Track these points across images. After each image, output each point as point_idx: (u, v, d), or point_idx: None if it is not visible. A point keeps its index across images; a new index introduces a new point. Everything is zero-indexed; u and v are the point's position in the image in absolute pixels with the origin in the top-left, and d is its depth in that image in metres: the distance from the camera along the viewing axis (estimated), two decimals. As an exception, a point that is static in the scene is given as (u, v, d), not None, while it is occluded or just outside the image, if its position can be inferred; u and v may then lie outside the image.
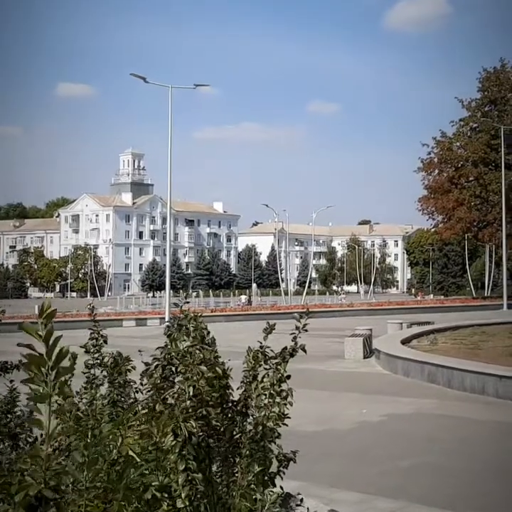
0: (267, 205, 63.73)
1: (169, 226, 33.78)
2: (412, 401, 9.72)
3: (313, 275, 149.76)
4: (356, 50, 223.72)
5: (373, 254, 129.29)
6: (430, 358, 11.54)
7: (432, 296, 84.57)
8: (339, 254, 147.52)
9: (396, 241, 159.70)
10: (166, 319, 28.73)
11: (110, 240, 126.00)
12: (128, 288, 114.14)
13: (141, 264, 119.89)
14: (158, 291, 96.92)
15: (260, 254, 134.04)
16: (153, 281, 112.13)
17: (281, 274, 75.28)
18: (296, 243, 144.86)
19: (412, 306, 37.00)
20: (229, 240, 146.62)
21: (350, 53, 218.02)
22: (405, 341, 15.38)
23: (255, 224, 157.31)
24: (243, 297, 60.08)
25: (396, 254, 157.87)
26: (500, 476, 5.84)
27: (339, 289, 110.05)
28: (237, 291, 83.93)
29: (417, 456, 6.50)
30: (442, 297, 71.71)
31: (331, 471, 6.03)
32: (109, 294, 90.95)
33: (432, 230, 52.68)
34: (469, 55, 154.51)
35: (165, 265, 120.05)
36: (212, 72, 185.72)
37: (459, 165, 44.73)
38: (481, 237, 46.94)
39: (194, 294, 78.20)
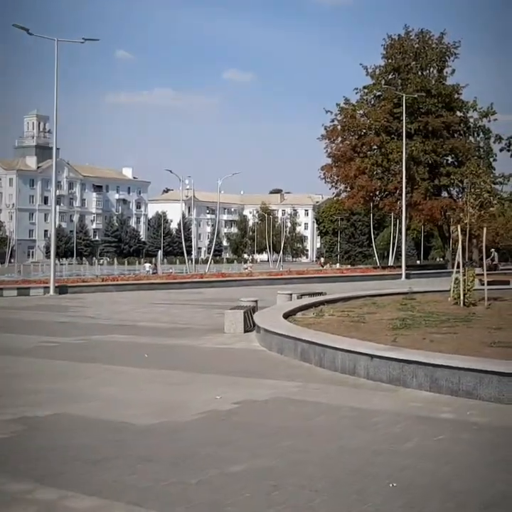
0: (170, 171, 62.43)
1: (54, 191, 32.19)
2: (275, 384, 8.77)
3: (225, 244, 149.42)
4: (271, 20, 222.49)
5: (283, 223, 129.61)
6: (303, 334, 10.64)
7: (338, 265, 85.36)
8: (250, 223, 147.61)
9: (306, 210, 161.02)
10: (51, 289, 27.08)
11: (13, 204, 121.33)
12: (32, 255, 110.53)
13: (46, 231, 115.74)
14: (64, 258, 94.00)
15: (171, 221, 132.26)
16: (58, 248, 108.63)
17: (188, 242, 73.93)
18: (207, 211, 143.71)
19: (312, 275, 36.44)
20: (139, 206, 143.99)
21: (265, 23, 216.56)
22: (290, 314, 14.50)
23: (166, 191, 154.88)
24: (147, 265, 58.50)
25: (306, 224, 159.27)
26: (346, 481, 4.91)
27: (250, 257, 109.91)
28: (144, 260, 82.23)
29: (252, 459, 5.50)
30: (349, 266, 72.27)
31: (141, 483, 4.95)
32: (12, 260, 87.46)
33: (335, 198, 52.53)
34: (379, 23, 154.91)
35: (71, 232, 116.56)
36: (126, 36, 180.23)
37: (362, 133, 44.54)
38: (383, 207, 47.13)
39: (100, 261, 76.03)
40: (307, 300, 18.21)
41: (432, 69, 45.67)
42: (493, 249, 50.07)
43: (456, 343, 9.88)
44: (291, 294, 19.25)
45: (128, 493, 4.71)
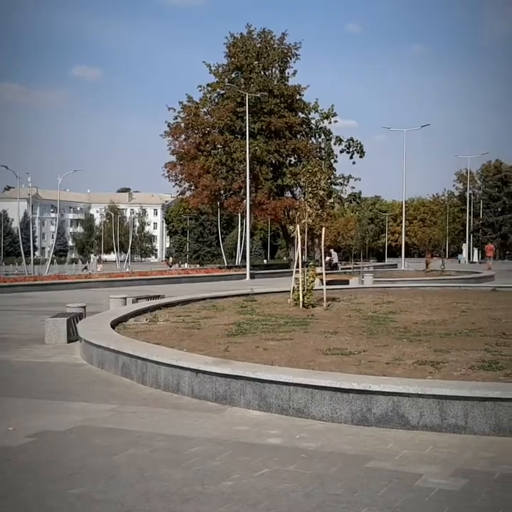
0: (6, 167, 58.74)
1: None
2: (85, 407, 7.56)
3: (71, 243, 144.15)
4: (120, 17, 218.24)
5: (132, 223, 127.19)
6: (125, 346, 9.49)
7: (186, 265, 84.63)
8: (97, 222, 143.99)
9: (155, 210, 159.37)
10: None
11: None
12: None
13: None
14: None
15: (12, 220, 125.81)
16: None
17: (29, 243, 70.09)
18: (52, 210, 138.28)
19: (155, 276, 35.08)
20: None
21: (114, 20, 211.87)
22: (121, 320, 13.28)
23: (7, 189, 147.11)
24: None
25: (155, 223, 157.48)
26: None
27: (97, 257, 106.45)
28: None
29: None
30: (198, 266, 71.67)
31: None
32: None
33: (179, 197, 51.56)
34: (226, 22, 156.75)
35: None
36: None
37: (206, 131, 43.89)
38: (227, 206, 46.75)
39: None
40: (143, 304, 17.02)
41: (274, 69, 45.88)
42: (332, 249, 51.28)
43: (291, 351, 9.18)
44: (125, 298, 17.96)
45: None
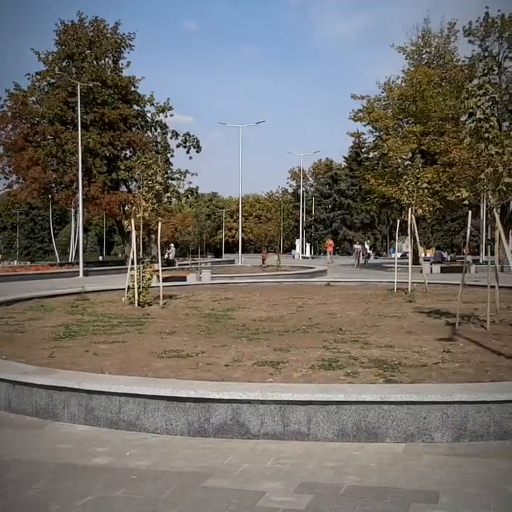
0: None
1: None
2: None
3: None
4: None
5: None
6: None
7: (16, 262, 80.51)
8: None
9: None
10: None
11: None
12: None
13: None
14: None
15: None
16: None
17: None
18: None
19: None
20: None
21: None
22: None
23: None
24: None
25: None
26: None
27: None
28: None
29: None
30: (28, 263, 68.24)
31: None
32: None
33: (6, 190, 48.58)
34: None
35: None
36: None
37: (35, 121, 41.57)
38: (59, 200, 44.64)
39: None
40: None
41: (107, 59, 44.36)
42: (172, 244, 50.70)
43: (124, 355, 8.52)
44: None
45: None
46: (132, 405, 6.04)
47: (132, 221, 16.21)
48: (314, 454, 5.21)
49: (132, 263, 15.85)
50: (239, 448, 5.45)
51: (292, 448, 5.38)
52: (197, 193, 52.56)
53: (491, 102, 10.53)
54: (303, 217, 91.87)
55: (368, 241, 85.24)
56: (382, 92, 45.09)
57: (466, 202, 11.83)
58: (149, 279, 15.85)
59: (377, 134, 47.42)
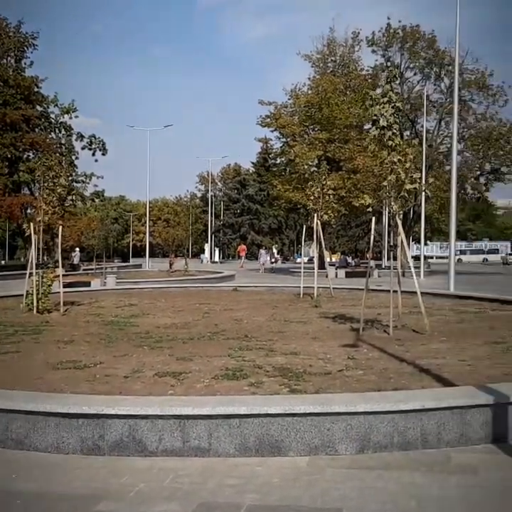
0: None
1: None
2: None
3: None
4: None
5: None
6: None
7: None
8: None
9: None
10: None
11: None
12: None
13: None
14: None
15: None
16: None
17: None
18: None
19: None
20: None
21: None
22: None
23: None
24: None
25: None
26: None
27: None
28: None
29: None
30: None
31: None
32: None
33: None
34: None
35: None
36: None
37: None
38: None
39: None
40: None
41: (9, 58, 42.84)
42: (77, 248, 49.41)
43: (17, 366, 8.04)
44: None
45: None
46: (21, 422, 5.62)
47: (31, 225, 15.55)
48: (215, 470, 4.97)
49: (32, 268, 15.20)
50: (135, 466, 5.15)
51: (192, 465, 5.12)
52: (103, 196, 51.52)
53: (394, 110, 10.68)
54: (211, 221, 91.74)
55: (276, 246, 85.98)
56: (289, 99, 45.54)
57: (370, 208, 11.93)
58: (50, 284, 15.24)
59: (284, 140, 47.83)
